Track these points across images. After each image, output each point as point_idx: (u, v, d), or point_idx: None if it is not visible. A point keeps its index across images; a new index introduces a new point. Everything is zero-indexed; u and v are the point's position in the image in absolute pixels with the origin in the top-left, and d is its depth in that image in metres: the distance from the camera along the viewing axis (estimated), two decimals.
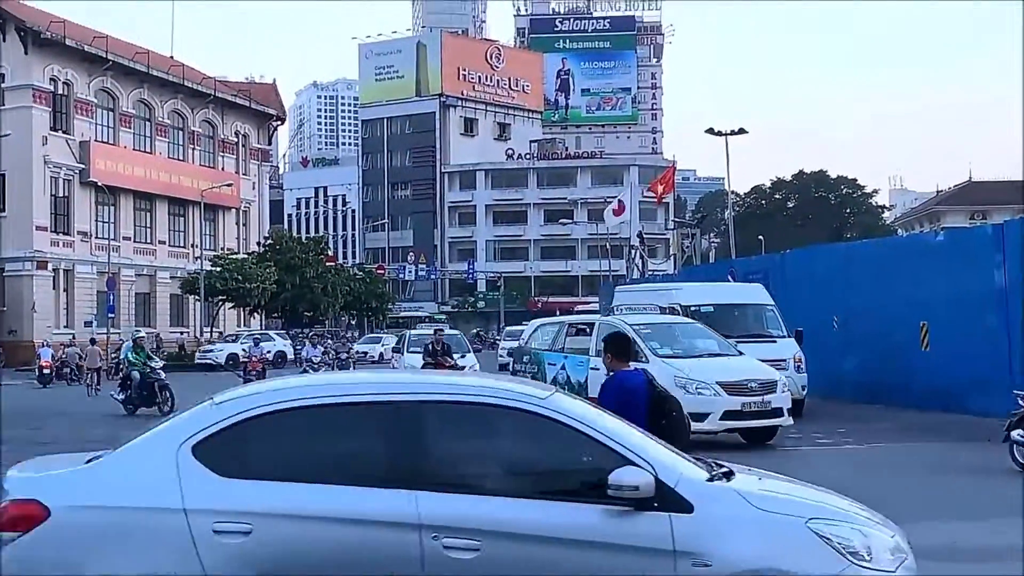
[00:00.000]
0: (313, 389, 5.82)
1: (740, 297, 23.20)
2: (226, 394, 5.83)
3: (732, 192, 73.15)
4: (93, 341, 41.91)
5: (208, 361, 51.74)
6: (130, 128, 68.36)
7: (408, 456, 5.36)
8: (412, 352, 30.47)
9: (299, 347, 62.22)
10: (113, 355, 44.75)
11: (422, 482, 5.27)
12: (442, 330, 29.66)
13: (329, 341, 61.24)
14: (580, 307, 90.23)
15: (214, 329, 66.23)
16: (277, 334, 61.57)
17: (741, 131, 50.43)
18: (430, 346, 25.56)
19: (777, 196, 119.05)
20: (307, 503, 5.24)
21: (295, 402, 5.62)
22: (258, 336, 33.48)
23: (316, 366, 31.45)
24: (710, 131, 50.63)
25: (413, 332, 38.01)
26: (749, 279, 26.58)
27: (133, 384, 25.72)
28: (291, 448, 5.55)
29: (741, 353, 18.46)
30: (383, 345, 59.68)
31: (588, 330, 19.92)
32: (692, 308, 21.71)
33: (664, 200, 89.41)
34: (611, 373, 8.00)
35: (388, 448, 5.44)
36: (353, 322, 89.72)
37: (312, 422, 5.54)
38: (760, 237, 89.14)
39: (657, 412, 7.58)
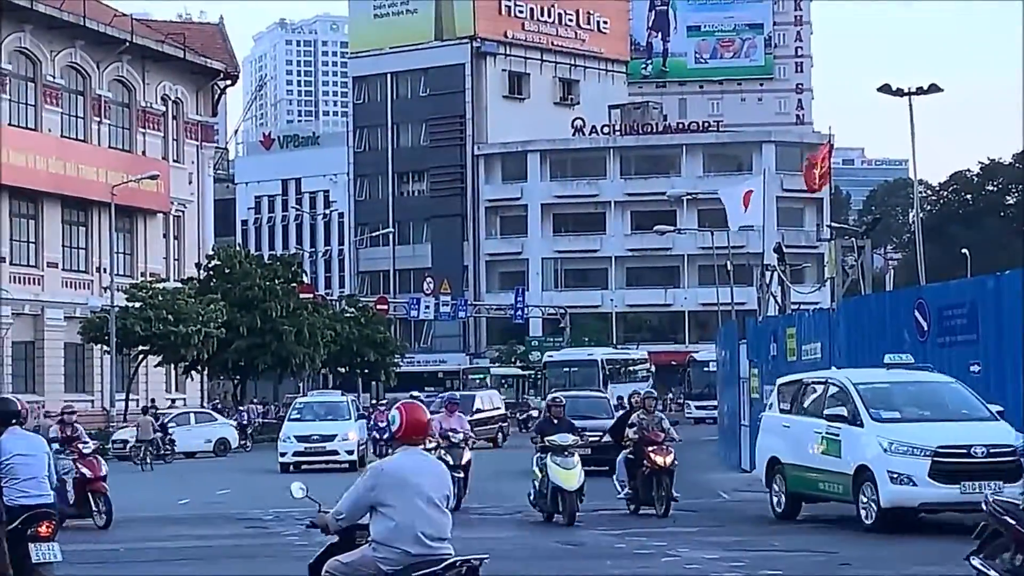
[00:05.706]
0: None
1: None
2: None
3: (920, 183, 72.39)
4: (145, 410, 53.55)
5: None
6: (4, 92, 69.05)
7: None
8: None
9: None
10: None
11: None
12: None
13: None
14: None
15: (130, 395, 66.59)
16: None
17: (932, 88, 50.37)
18: None
19: (989, 187, 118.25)
20: None
21: None
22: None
23: None
24: (886, 89, 50.61)
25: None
26: (945, 316, 26.26)
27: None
28: None
29: None
30: (214, 425, 60.47)
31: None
32: None
33: (815, 193, 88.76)
34: None
35: None
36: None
37: None
38: (964, 251, 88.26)
39: None
